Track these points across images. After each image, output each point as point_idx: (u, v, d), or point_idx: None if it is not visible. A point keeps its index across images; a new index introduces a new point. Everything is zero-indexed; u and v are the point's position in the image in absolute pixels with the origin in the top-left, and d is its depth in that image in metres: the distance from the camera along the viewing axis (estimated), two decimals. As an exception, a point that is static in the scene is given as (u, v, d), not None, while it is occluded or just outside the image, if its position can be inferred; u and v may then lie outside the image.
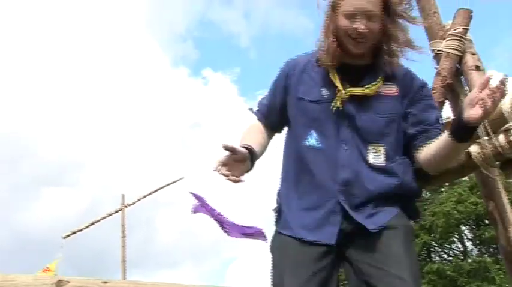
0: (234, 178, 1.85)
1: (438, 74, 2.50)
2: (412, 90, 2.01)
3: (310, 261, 1.85)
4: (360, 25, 1.87)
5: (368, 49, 1.97)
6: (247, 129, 2.17)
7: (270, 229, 2.10)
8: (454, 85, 2.52)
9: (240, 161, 1.89)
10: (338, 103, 1.92)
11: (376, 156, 1.92)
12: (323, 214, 1.89)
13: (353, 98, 1.93)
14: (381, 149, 1.92)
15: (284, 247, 1.93)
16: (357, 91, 1.92)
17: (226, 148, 1.84)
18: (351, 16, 1.88)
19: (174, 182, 13.08)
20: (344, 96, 1.92)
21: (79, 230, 13.63)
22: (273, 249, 2.01)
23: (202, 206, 2.85)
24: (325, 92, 1.97)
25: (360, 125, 1.92)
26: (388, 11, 1.91)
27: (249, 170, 1.94)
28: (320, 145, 1.94)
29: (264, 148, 2.14)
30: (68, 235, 13.48)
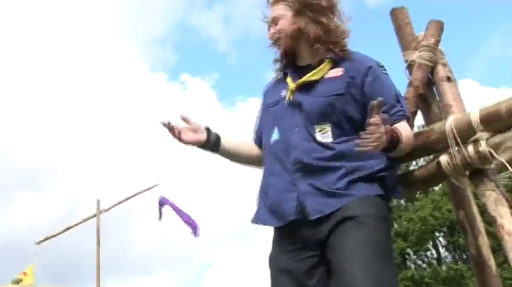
0: (176, 134, 2.14)
1: (410, 84, 2.53)
2: (359, 72, 2.09)
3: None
4: (268, 34, 2.18)
5: (303, 49, 2.16)
6: None
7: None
8: (426, 95, 2.55)
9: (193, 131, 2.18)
10: (289, 95, 2.12)
11: (324, 135, 2.03)
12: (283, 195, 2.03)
13: (302, 87, 2.10)
14: (327, 128, 2.03)
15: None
16: (302, 80, 2.10)
17: (182, 117, 2.16)
18: (269, 26, 2.20)
19: (149, 189, 13.04)
20: (292, 87, 2.11)
21: (53, 236, 13.45)
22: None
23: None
24: (283, 92, 2.17)
25: (306, 108, 2.05)
26: (302, 12, 2.11)
27: (200, 142, 2.19)
28: (279, 137, 2.11)
29: (240, 151, 2.35)
30: (42, 241, 13.28)
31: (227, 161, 2.37)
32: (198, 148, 2.24)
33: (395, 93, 2.15)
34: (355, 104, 2.08)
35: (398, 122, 2.08)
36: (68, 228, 13.75)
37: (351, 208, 1.92)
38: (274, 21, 2.16)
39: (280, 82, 2.25)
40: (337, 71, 2.11)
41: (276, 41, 2.17)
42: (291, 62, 2.22)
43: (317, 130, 2.03)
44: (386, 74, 2.17)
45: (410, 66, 2.60)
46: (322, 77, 2.10)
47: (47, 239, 13.45)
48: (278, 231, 2.07)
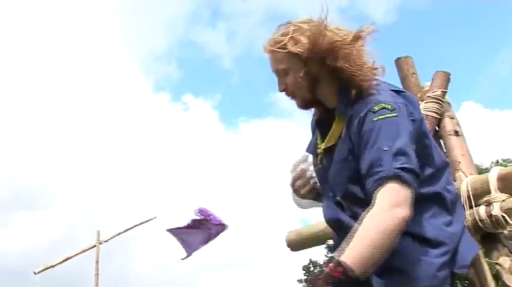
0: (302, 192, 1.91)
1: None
2: (353, 126, 1.70)
3: None
4: (278, 87, 1.84)
5: (323, 94, 1.81)
6: None
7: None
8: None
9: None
10: (319, 162, 1.87)
11: (343, 211, 1.78)
12: None
13: (327, 151, 1.82)
14: (343, 203, 1.77)
15: None
16: (322, 146, 1.84)
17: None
18: (277, 79, 1.85)
19: (147, 221, 13.05)
20: (321, 152, 1.85)
21: (52, 266, 13.31)
22: None
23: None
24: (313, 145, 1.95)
25: (330, 177, 1.80)
26: (305, 58, 1.75)
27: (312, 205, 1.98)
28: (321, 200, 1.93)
29: None
30: (41, 271, 13.15)
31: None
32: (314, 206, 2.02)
33: (379, 151, 1.62)
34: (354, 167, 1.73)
35: (377, 192, 1.59)
36: (67, 258, 13.60)
37: None
38: (280, 74, 1.84)
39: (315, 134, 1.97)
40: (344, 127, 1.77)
41: (291, 96, 1.85)
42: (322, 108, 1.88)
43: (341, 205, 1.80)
44: (383, 117, 1.65)
45: (416, 118, 2.54)
46: (340, 136, 1.77)
47: (46, 269, 13.30)
48: None
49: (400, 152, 1.59)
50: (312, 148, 1.93)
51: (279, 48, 1.77)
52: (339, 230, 1.79)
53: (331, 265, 1.49)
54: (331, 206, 1.81)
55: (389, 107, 1.66)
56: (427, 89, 2.59)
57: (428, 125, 2.46)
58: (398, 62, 2.67)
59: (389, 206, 1.53)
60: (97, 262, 13.32)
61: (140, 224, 14.05)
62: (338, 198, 1.78)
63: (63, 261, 13.20)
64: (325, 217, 1.87)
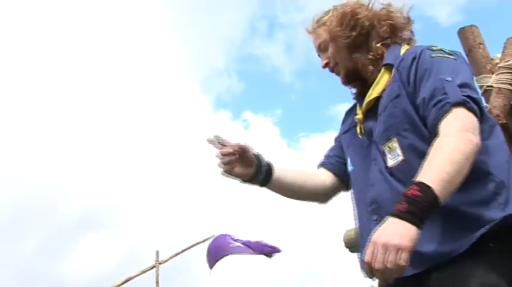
0: (224, 165, 1.80)
1: (489, 112, 2.13)
2: (405, 67, 1.66)
3: None
4: (322, 63, 1.90)
5: (363, 65, 1.82)
6: None
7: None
8: (509, 125, 2.17)
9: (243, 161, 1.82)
10: (359, 125, 1.82)
11: (393, 155, 1.62)
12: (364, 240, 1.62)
13: (369, 112, 1.77)
14: (395, 144, 1.62)
15: None
16: (364, 105, 1.79)
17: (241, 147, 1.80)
18: (320, 57, 1.92)
19: (205, 240, 12.97)
20: (360, 117, 1.81)
21: (113, 288, 13.42)
22: None
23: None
24: (354, 118, 1.88)
25: (376, 132, 1.71)
26: (344, 27, 1.82)
27: (248, 174, 1.83)
28: (352, 167, 1.83)
29: (301, 181, 1.95)
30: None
31: (280, 195, 1.99)
32: (242, 182, 1.87)
33: (441, 80, 1.54)
34: (410, 104, 1.63)
35: (442, 119, 1.48)
36: (128, 279, 13.67)
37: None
38: (322, 49, 1.89)
39: (353, 107, 1.96)
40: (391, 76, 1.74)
41: (333, 69, 1.89)
42: (362, 86, 1.88)
43: (387, 154, 1.64)
44: (442, 56, 1.63)
45: (486, 92, 2.24)
46: (383, 90, 1.72)
47: (107, 291, 13.38)
48: None
49: (465, 84, 1.52)
50: (348, 125, 1.92)
51: (318, 24, 1.88)
52: (383, 207, 1.61)
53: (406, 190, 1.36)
54: (377, 179, 1.66)
55: (447, 50, 1.65)
56: (497, 60, 2.28)
57: (502, 100, 2.16)
58: (462, 32, 2.38)
59: (459, 130, 1.42)
60: (157, 282, 13.35)
61: (198, 243, 14.01)
62: (390, 145, 1.63)
63: (125, 282, 13.27)
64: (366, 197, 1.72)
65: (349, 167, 1.86)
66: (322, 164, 2.01)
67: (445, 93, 1.49)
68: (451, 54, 1.63)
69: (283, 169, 1.93)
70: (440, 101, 1.49)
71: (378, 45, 1.80)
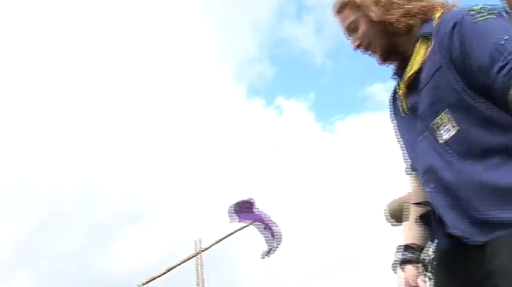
0: None
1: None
2: (444, 37, 1.60)
3: None
4: (353, 44, 1.88)
5: (397, 41, 1.79)
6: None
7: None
8: None
9: None
10: (403, 102, 1.80)
11: (446, 128, 1.62)
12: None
13: (411, 87, 1.75)
14: (446, 117, 1.61)
15: None
16: (405, 81, 1.77)
17: None
18: (348, 37, 1.91)
19: (248, 225, 12.94)
20: (402, 92, 1.79)
21: (155, 278, 13.52)
22: None
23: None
24: (397, 97, 1.88)
25: (422, 108, 1.70)
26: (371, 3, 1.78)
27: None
28: (405, 144, 1.87)
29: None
30: (145, 283, 13.36)
31: None
32: None
33: (495, 44, 1.49)
34: (456, 73, 1.59)
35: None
36: (170, 269, 13.75)
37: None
38: (352, 29, 1.87)
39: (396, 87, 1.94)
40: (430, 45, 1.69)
41: (367, 49, 1.86)
42: (400, 61, 1.86)
43: (438, 127, 1.63)
44: (485, 18, 1.56)
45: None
46: (423, 62, 1.68)
47: (149, 281, 13.49)
48: None
49: None
50: (394, 105, 1.89)
51: (345, 4, 1.84)
52: (432, 179, 1.66)
53: None
54: (428, 152, 1.67)
55: (488, 7, 1.59)
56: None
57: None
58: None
59: None
60: (198, 271, 13.36)
61: (239, 229, 13.97)
62: (440, 119, 1.62)
63: (166, 272, 13.35)
64: (416, 168, 1.80)
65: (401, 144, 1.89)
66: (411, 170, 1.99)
67: (506, 57, 1.44)
68: (493, 12, 1.57)
69: (413, 229, 1.96)
70: (503, 66, 1.44)
71: (412, 15, 1.74)
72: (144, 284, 12.94)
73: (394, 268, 1.92)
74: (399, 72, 1.84)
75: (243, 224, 13.20)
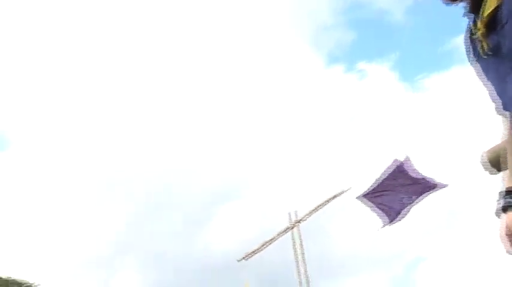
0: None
1: None
2: None
3: None
4: None
5: None
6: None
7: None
8: None
9: None
10: (482, 43, 1.67)
11: None
12: None
13: (490, 26, 1.62)
14: None
15: None
16: (483, 18, 1.63)
17: None
18: None
19: (341, 194, 12.66)
20: (480, 33, 1.66)
21: (253, 252, 13.67)
22: None
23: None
24: (474, 39, 1.75)
25: (504, 46, 1.58)
26: None
27: None
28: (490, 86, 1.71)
29: None
30: (243, 258, 13.53)
31: None
32: None
33: None
34: None
35: None
36: (266, 243, 13.80)
37: None
38: None
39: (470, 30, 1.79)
40: None
41: None
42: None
43: None
44: None
45: None
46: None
47: (247, 256, 13.63)
48: None
49: None
50: (472, 49, 1.74)
51: None
52: None
53: None
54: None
55: None
56: None
57: None
58: None
59: None
60: (295, 243, 13.32)
61: (333, 198, 13.76)
62: None
63: (263, 246, 13.43)
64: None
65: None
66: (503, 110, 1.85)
67: None
68: None
69: None
70: None
71: None
72: (242, 259, 13.08)
73: (497, 214, 1.88)
74: (474, 10, 1.72)
75: (334, 194, 12.98)
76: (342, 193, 13.37)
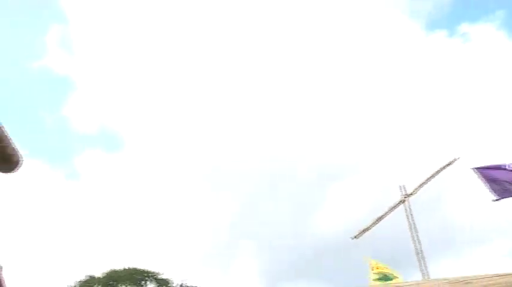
0: None
1: None
2: None
3: None
4: None
5: None
6: None
7: None
8: None
9: None
10: None
11: None
12: None
13: None
14: None
15: None
16: None
17: None
18: None
19: (449, 164, 12.32)
20: None
21: (366, 229, 13.69)
22: None
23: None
24: None
25: None
26: None
27: None
28: None
29: None
30: (357, 235, 13.59)
31: None
32: None
33: None
34: None
35: None
36: (379, 219, 13.80)
37: None
38: None
39: None
40: None
41: None
42: None
43: None
44: None
45: None
46: None
47: (361, 232, 13.71)
48: None
49: None
50: None
51: None
52: None
53: None
54: None
55: None
56: None
57: None
58: None
59: None
60: (408, 216, 13.17)
61: (442, 168, 13.38)
62: None
63: (375, 222, 13.43)
64: None
65: None
66: None
67: None
68: None
69: None
70: None
71: None
72: (356, 236, 13.15)
73: None
74: None
75: (444, 164, 12.63)
76: (452, 162, 12.95)
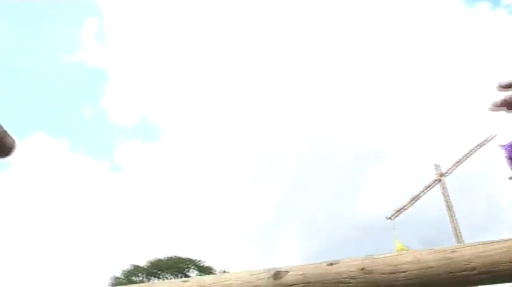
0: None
1: None
2: None
3: None
4: None
5: None
6: None
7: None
8: None
9: None
10: None
11: None
12: None
13: None
14: None
15: None
16: None
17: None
18: None
19: (485, 142, 12.16)
20: None
21: (402, 209, 13.74)
22: None
23: None
24: None
25: None
26: None
27: None
28: None
29: None
30: (393, 215, 13.66)
31: None
32: None
33: None
34: None
35: None
36: (414, 198, 13.86)
37: None
38: None
39: None
40: None
41: None
42: None
43: None
44: None
45: None
46: None
47: (397, 212, 13.82)
48: None
49: None
50: None
51: None
52: None
53: None
54: None
55: None
56: None
57: None
58: None
59: None
60: (445, 195, 13.13)
61: (477, 147, 13.24)
62: None
63: (411, 201, 13.44)
64: None
65: None
66: None
67: None
68: None
69: None
70: None
71: None
72: (391, 217, 13.21)
73: None
74: None
75: (479, 142, 12.54)
76: (485, 141, 12.79)
